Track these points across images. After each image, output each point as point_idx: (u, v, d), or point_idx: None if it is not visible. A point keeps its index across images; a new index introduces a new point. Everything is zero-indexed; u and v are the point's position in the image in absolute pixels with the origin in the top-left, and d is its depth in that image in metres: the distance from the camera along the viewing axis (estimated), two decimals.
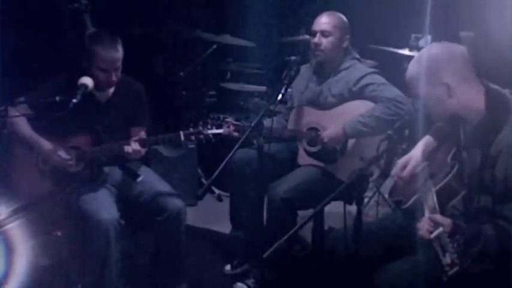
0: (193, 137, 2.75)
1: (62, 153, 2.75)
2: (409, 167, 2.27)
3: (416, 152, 2.31)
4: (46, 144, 2.77)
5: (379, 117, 2.90)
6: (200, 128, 2.75)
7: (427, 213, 2.04)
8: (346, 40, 3.12)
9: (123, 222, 2.69)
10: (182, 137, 2.73)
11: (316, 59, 3.15)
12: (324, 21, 3.09)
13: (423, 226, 1.98)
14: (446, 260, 1.90)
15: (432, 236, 1.95)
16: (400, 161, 2.32)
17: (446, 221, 1.95)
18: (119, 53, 2.75)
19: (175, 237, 2.86)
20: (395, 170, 2.33)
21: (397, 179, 2.31)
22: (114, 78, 2.77)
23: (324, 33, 3.07)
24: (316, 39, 3.09)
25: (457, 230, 1.94)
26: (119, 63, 2.77)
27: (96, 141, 2.78)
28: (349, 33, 3.14)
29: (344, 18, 3.16)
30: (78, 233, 2.79)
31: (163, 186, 2.91)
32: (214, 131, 2.77)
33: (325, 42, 3.07)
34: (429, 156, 2.29)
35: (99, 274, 2.66)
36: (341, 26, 3.11)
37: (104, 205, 2.67)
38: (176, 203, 2.83)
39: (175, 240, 2.87)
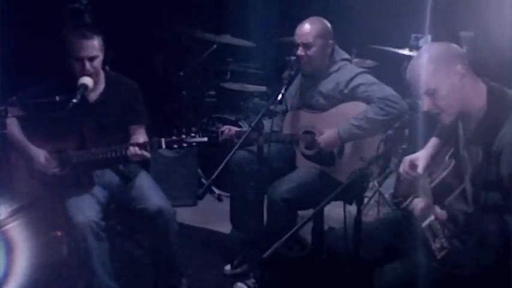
0: (175, 145, 2.70)
1: (44, 159, 2.75)
2: (421, 165, 2.27)
3: (425, 153, 2.32)
4: (31, 148, 2.77)
5: (372, 118, 2.88)
6: (183, 136, 2.69)
7: None
8: (330, 45, 3.07)
9: (102, 223, 2.66)
10: (164, 145, 2.69)
11: (304, 72, 3.14)
12: (304, 32, 3.03)
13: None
14: (436, 244, 1.96)
15: (424, 224, 2.01)
16: (407, 158, 2.33)
17: (441, 212, 2.02)
18: (93, 41, 2.71)
19: (167, 243, 2.84)
20: (402, 167, 2.33)
21: (405, 175, 2.31)
22: (88, 67, 2.72)
23: (306, 46, 3.01)
24: (299, 52, 3.04)
25: (451, 219, 1.99)
26: (94, 53, 2.72)
27: (81, 144, 2.76)
28: (332, 36, 3.08)
29: (325, 22, 3.09)
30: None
31: (154, 193, 2.84)
32: (198, 139, 2.70)
33: (308, 53, 3.02)
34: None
35: (87, 275, 2.67)
36: (322, 34, 3.04)
37: (81, 208, 2.64)
38: (165, 211, 2.78)
39: (168, 246, 2.85)
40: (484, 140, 2.03)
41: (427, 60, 2.06)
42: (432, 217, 2.01)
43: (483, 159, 2.03)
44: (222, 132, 3.20)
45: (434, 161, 2.29)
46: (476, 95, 2.07)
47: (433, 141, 2.36)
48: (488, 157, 2.01)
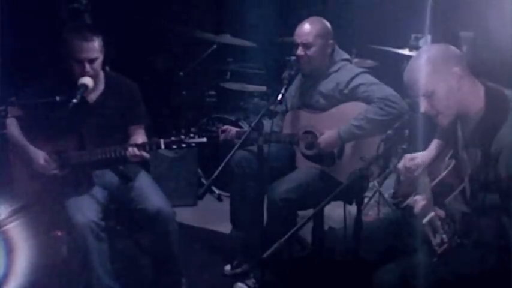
0: (174, 146, 2.70)
1: (43, 160, 2.74)
2: (418, 160, 2.28)
3: (427, 154, 2.33)
4: (30, 149, 2.77)
5: (372, 118, 2.88)
6: (182, 136, 2.69)
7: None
8: (329, 45, 3.07)
9: (102, 223, 2.66)
10: (163, 145, 2.69)
11: (303, 71, 3.14)
12: (304, 32, 3.03)
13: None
14: (436, 240, 1.99)
15: (424, 221, 2.04)
16: (408, 155, 2.34)
17: (440, 211, 2.05)
18: (93, 43, 2.70)
19: (167, 243, 2.84)
20: (403, 162, 2.33)
21: (404, 170, 2.32)
22: (88, 69, 2.71)
23: (305, 45, 3.02)
24: (299, 52, 3.04)
25: (449, 217, 2.03)
26: (94, 55, 2.71)
27: (80, 145, 2.76)
28: (332, 37, 3.08)
29: (325, 22, 3.09)
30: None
31: (154, 194, 2.84)
32: (197, 140, 2.71)
33: (308, 53, 3.03)
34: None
35: (87, 275, 2.67)
36: (322, 34, 3.05)
37: (80, 208, 2.64)
38: (165, 212, 2.78)
39: (168, 246, 2.85)
40: (482, 141, 2.04)
41: (424, 63, 2.06)
42: (432, 213, 2.03)
43: (481, 160, 2.03)
44: (223, 131, 3.20)
45: (435, 161, 2.29)
46: (474, 96, 2.07)
47: (435, 143, 2.37)
48: (486, 158, 2.01)
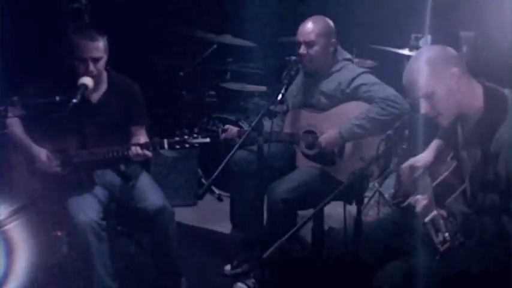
0: (177, 146, 2.71)
1: (45, 158, 2.75)
2: (420, 163, 2.29)
3: (428, 155, 2.32)
4: (33, 147, 2.77)
5: (374, 118, 2.88)
6: (185, 136, 2.70)
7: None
8: (332, 44, 3.07)
9: (103, 223, 2.66)
10: (166, 146, 2.70)
11: (305, 70, 3.14)
12: (306, 30, 3.03)
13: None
14: (439, 238, 1.99)
15: (426, 220, 2.04)
16: (410, 160, 2.34)
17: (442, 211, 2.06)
18: (98, 43, 2.72)
19: (167, 242, 2.85)
20: (403, 168, 2.33)
21: (407, 180, 2.32)
22: (91, 68, 2.73)
23: (308, 44, 3.01)
24: (301, 50, 3.04)
25: (451, 216, 2.03)
26: (98, 54, 2.73)
27: (82, 144, 2.77)
28: (334, 36, 3.08)
29: (328, 21, 3.09)
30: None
31: (154, 193, 2.85)
32: (200, 140, 2.72)
33: (310, 52, 3.02)
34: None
35: (87, 275, 2.67)
36: (325, 32, 3.04)
37: (82, 207, 2.65)
38: (164, 211, 2.79)
39: (167, 246, 2.86)
40: (481, 141, 2.04)
41: (423, 64, 2.07)
42: (435, 212, 2.03)
43: (481, 160, 2.04)
44: (224, 130, 3.20)
45: (436, 161, 2.29)
46: (473, 96, 2.07)
47: (435, 143, 2.37)
48: (486, 158, 2.02)
